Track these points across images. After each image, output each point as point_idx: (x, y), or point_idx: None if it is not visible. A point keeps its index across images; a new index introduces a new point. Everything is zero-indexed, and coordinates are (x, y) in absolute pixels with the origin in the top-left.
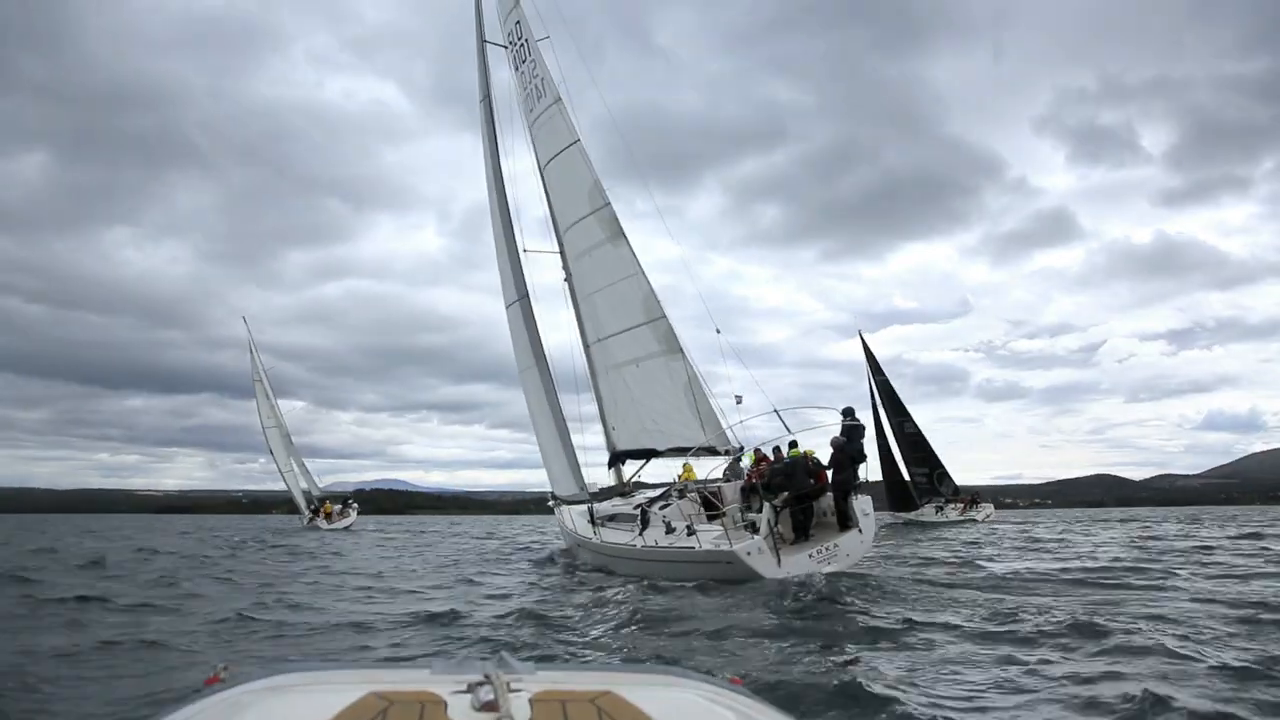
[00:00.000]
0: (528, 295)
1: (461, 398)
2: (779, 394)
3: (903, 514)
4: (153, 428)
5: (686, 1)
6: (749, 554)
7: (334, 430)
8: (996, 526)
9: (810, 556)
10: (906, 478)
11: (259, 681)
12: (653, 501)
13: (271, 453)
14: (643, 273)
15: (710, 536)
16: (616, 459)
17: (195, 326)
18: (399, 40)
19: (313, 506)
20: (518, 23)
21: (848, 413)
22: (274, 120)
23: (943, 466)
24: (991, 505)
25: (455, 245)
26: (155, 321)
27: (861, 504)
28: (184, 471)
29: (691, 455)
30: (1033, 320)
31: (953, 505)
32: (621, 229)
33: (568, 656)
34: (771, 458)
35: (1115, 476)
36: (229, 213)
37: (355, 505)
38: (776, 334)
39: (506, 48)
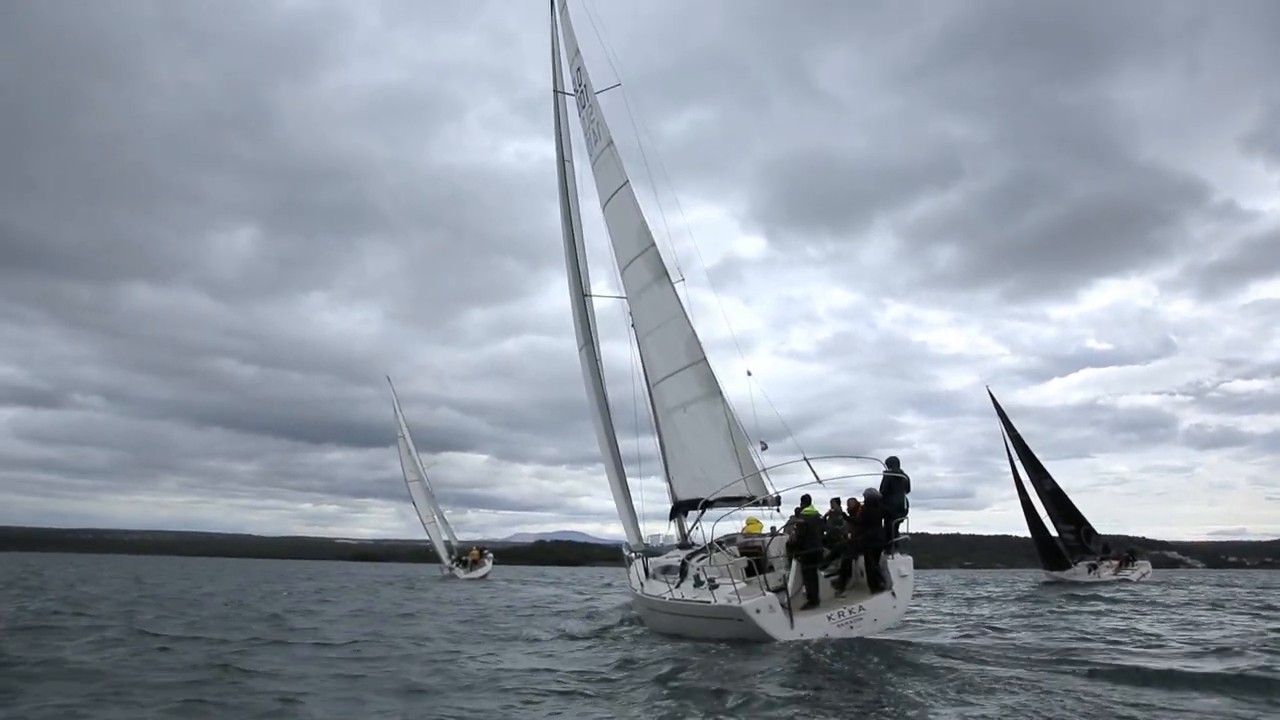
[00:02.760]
0: (592, 342)
1: (637, 450)
2: (963, 444)
3: (1056, 572)
4: (349, 479)
5: (846, 41)
6: (759, 611)
7: (516, 482)
8: (1151, 587)
9: (830, 619)
10: (1054, 534)
11: None
12: (694, 554)
13: (415, 505)
14: (684, 314)
15: (728, 592)
16: (677, 509)
17: (385, 383)
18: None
19: (454, 557)
20: (579, 70)
21: (892, 463)
22: (451, 185)
23: (1088, 523)
24: (1149, 564)
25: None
26: (349, 379)
27: (899, 564)
28: (377, 521)
29: (735, 505)
30: (1250, 358)
31: (1106, 563)
32: (665, 270)
33: None
34: (826, 511)
35: None
36: (413, 275)
37: (490, 555)
38: (959, 381)
39: (575, 94)
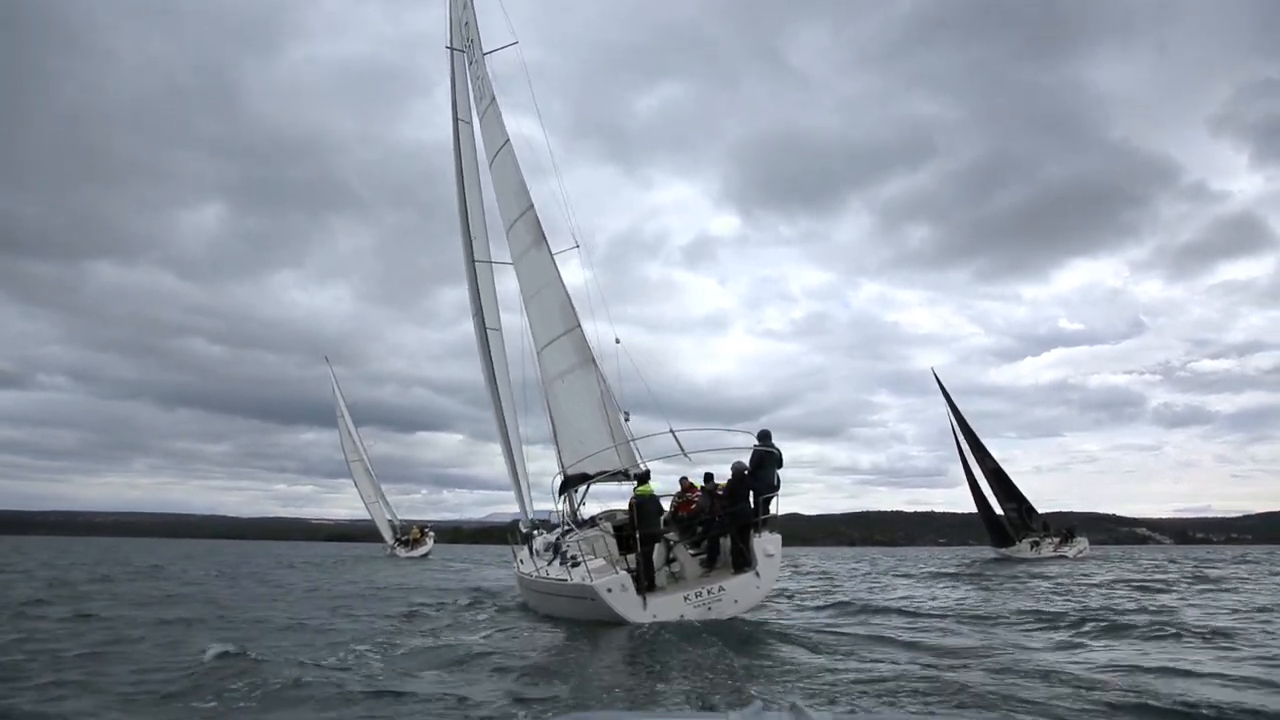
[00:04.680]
0: (480, 311)
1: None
2: (935, 423)
3: (1002, 549)
4: (323, 459)
5: (818, 21)
6: (609, 591)
7: (492, 462)
8: (1084, 563)
9: (686, 599)
10: (1000, 512)
11: None
12: (568, 531)
13: (355, 484)
14: (559, 278)
15: (588, 569)
16: (566, 485)
17: (358, 363)
18: (536, 76)
19: (396, 536)
20: (466, 25)
21: (763, 437)
22: (423, 161)
23: (1028, 501)
24: (1086, 541)
25: (601, 276)
26: (322, 359)
27: (765, 543)
28: (351, 501)
29: (615, 480)
30: (1217, 339)
31: (1049, 540)
32: (542, 233)
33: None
34: (700, 485)
35: None
36: (384, 254)
37: (431, 534)
38: (932, 360)
39: (464, 51)
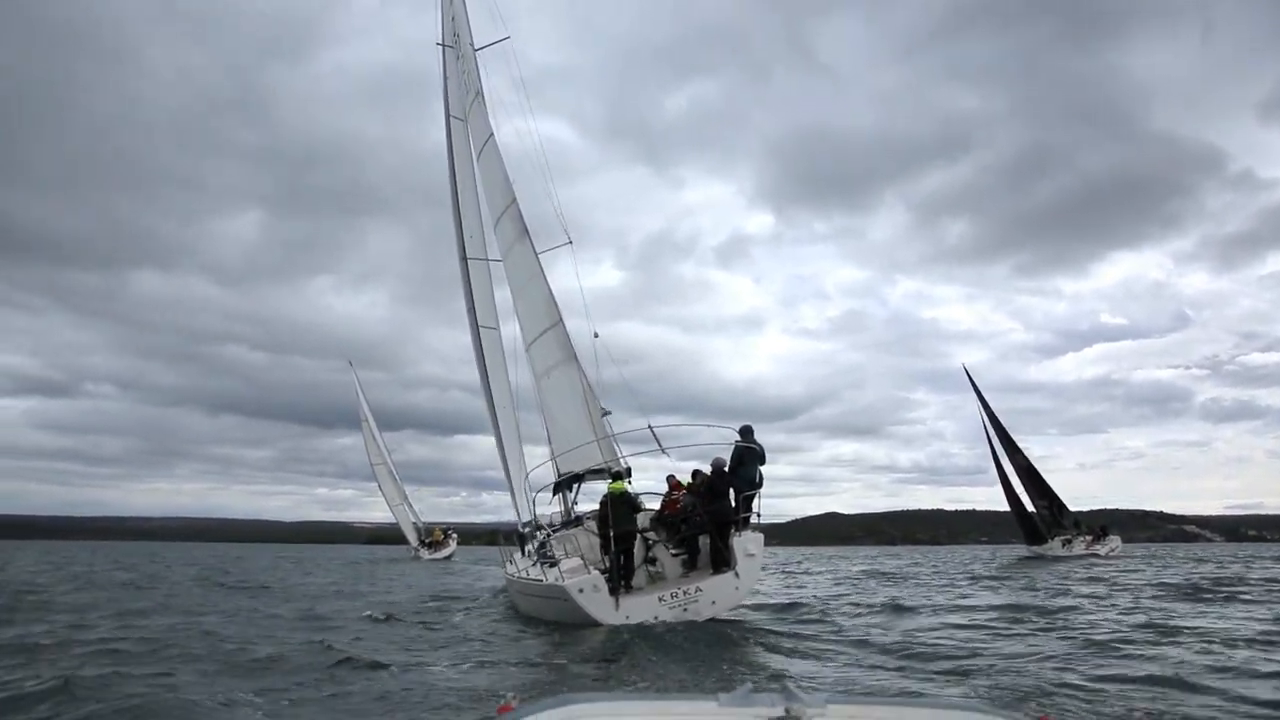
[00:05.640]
0: (473, 308)
1: (644, 432)
2: (975, 419)
3: (1035, 547)
4: (362, 464)
5: (849, 13)
6: (580, 591)
7: (529, 464)
8: (1116, 561)
9: (661, 600)
10: (1030, 509)
11: (551, 711)
12: (556, 529)
13: (380, 488)
14: (542, 273)
15: (564, 569)
16: (560, 484)
17: (394, 366)
18: (567, 77)
19: (422, 539)
20: (453, 19)
21: (745, 432)
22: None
23: (1059, 498)
24: (1119, 539)
25: (635, 278)
26: (358, 363)
27: (746, 542)
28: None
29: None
30: (1268, 331)
31: (1081, 538)
32: (525, 228)
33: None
34: (687, 483)
35: None
36: (417, 256)
37: (454, 536)
38: (972, 357)
39: (454, 47)
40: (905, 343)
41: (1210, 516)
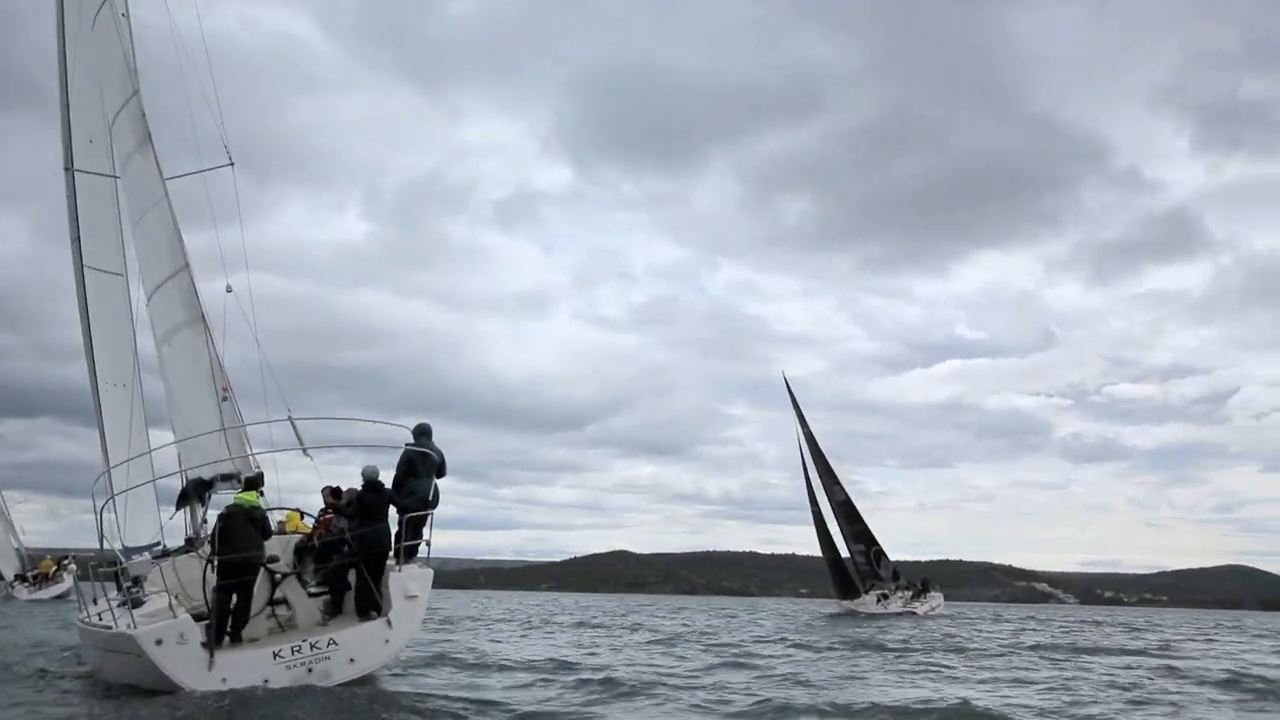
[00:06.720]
0: (78, 238)
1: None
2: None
3: (846, 601)
4: None
5: None
6: (158, 642)
7: None
8: (940, 621)
9: (277, 656)
10: (845, 555)
11: None
12: (159, 557)
13: None
14: (167, 199)
15: (145, 612)
16: (185, 493)
17: (34, 329)
18: None
19: (23, 570)
20: None
21: (422, 431)
22: (136, 49)
23: (878, 544)
24: (941, 596)
25: (388, 232)
26: None
27: (407, 580)
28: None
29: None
30: (1140, 358)
31: (899, 594)
32: (148, 133)
33: None
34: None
35: (1249, 568)
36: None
37: (73, 568)
38: (805, 366)
39: None
40: (726, 342)
41: (1063, 574)
